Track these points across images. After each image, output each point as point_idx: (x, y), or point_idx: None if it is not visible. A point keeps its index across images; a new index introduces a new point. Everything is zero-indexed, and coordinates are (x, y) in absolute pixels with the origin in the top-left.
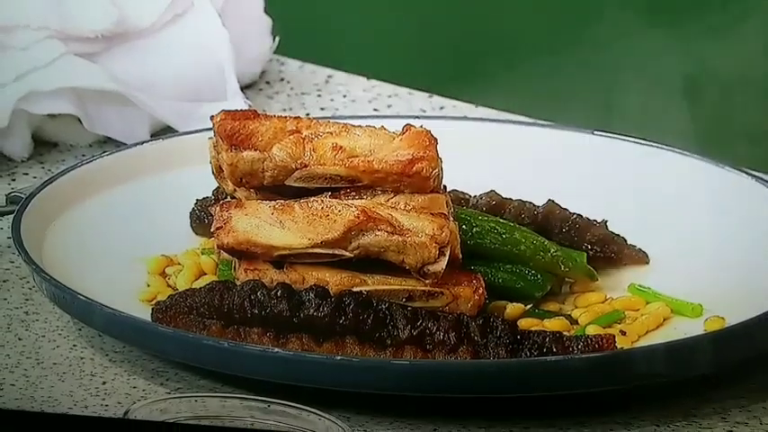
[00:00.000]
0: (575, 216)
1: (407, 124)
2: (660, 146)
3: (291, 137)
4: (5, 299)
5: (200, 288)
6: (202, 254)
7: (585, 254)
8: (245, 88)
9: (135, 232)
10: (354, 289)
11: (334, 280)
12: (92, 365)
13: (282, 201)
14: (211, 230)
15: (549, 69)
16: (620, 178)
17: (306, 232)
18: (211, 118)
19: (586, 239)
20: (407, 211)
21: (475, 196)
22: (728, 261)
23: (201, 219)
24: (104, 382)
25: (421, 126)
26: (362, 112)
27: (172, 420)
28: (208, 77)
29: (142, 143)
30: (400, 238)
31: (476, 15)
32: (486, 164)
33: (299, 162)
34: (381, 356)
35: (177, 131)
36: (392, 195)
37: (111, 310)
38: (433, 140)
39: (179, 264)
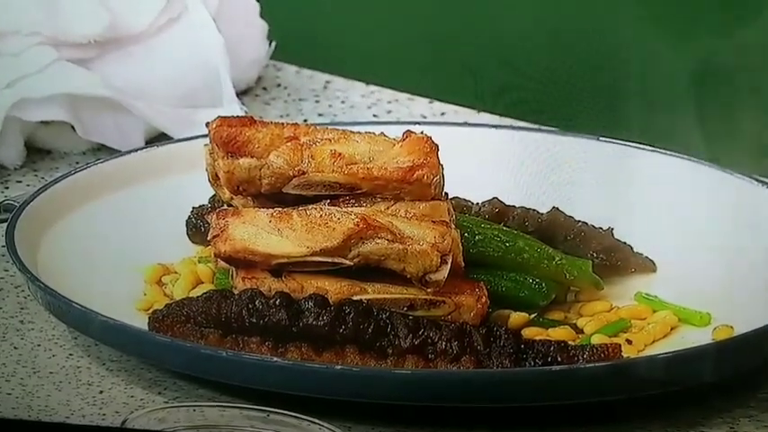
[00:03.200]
0: (580, 224)
1: (408, 130)
2: (666, 152)
3: (289, 143)
4: (0, 308)
5: (198, 297)
6: (199, 262)
7: (591, 262)
8: (241, 94)
9: (131, 240)
10: (354, 297)
11: (334, 288)
12: (88, 374)
13: (280, 208)
14: (208, 239)
15: (551, 74)
16: (626, 185)
17: (304, 240)
18: (207, 124)
19: (592, 247)
20: (408, 219)
21: (477, 203)
22: (737, 269)
23: (198, 227)
24: (101, 392)
25: (422, 132)
26: (361, 118)
27: (170, 430)
28: (203, 83)
29: (137, 150)
30: (401, 246)
31: (476, 19)
32: (488, 170)
33: (296, 169)
34: (382, 366)
35: (172, 138)
36: (392, 203)
37: (107, 319)
38: (434, 147)
39: (176, 272)
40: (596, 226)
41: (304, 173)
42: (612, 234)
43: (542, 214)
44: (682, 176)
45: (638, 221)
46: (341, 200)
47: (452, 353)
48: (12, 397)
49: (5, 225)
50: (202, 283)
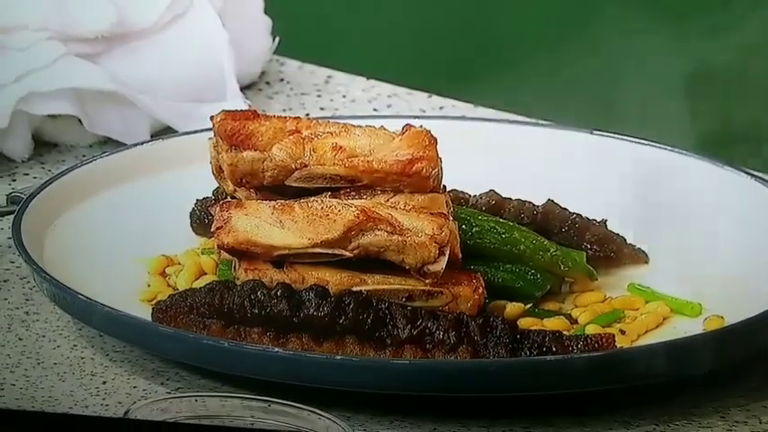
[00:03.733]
0: (574, 215)
1: (407, 124)
2: (659, 145)
3: (291, 137)
4: (6, 299)
5: (201, 288)
6: (202, 254)
7: (585, 253)
8: (244, 88)
9: (135, 232)
10: (354, 288)
11: (334, 279)
12: (92, 365)
13: (282, 201)
14: (211, 230)
15: (549, 69)
16: (620, 178)
17: (306, 232)
18: (211, 118)
19: (586, 239)
20: (407, 211)
21: (474, 196)
22: (728, 260)
23: (202, 219)
24: (105, 382)
25: (420, 126)
26: (362, 112)
27: (172, 420)
28: (208, 78)
29: (142, 143)
30: (400, 238)
31: (475, 15)
32: (485, 163)
33: (298, 162)
34: (381, 356)
35: (177, 132)
36: (392, 195)
37: (111, 310)
38: (433, 140)
39: (179, 264)
40: (590, 218)
41: (306, 166)
42: (606, 226)
43: (538, 206)
44: (674, 169)
45: (630, 213)
46: (342, 192)
47: (450, 343)
48: (16, 388)
49: (12, 217)
50: (205, 274)
